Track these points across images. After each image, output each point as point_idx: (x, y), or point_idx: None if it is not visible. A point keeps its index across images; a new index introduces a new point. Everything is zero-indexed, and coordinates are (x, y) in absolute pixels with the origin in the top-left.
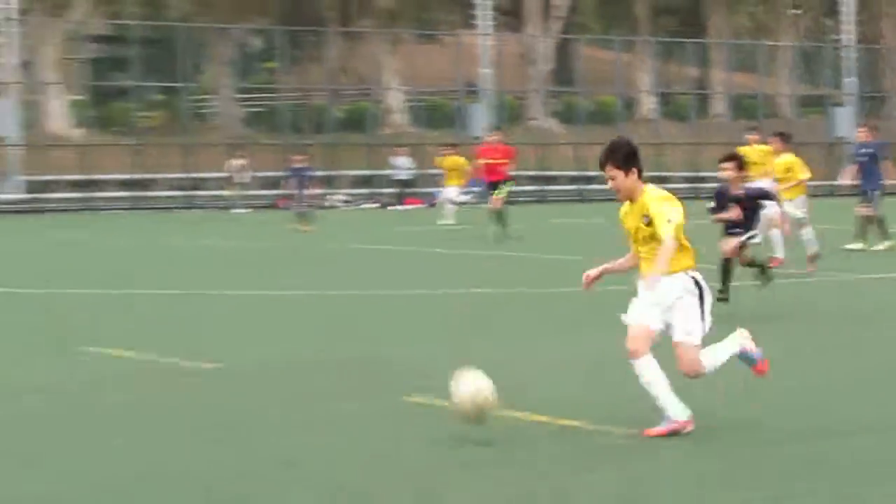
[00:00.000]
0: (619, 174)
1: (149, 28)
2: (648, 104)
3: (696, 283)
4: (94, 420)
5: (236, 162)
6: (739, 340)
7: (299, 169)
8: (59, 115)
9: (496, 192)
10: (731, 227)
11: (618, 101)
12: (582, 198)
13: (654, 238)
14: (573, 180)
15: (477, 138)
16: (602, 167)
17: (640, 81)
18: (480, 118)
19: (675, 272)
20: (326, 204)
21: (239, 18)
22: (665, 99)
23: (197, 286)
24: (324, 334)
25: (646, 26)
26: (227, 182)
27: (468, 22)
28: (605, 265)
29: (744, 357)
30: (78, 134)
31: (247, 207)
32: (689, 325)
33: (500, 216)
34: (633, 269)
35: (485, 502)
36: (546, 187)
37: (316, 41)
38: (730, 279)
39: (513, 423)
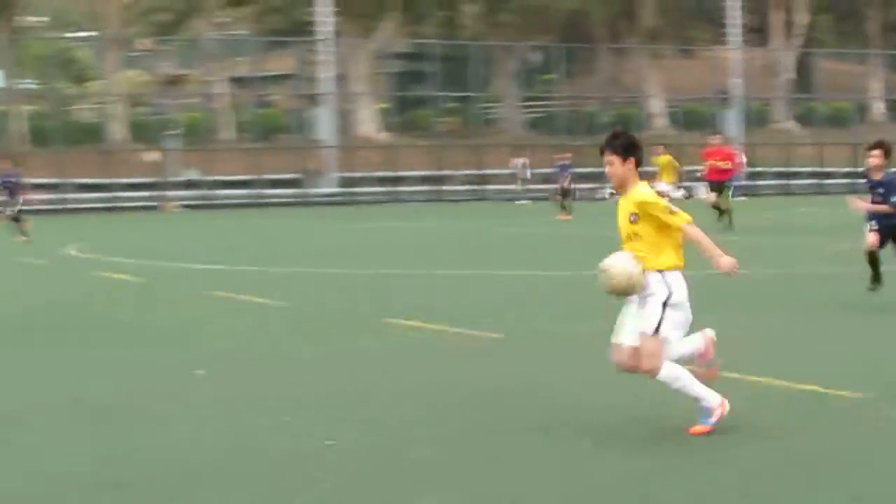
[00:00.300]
0: (617, 161)
1: (445, 46)
2: (878, 109)
3: (667, 287)
4: (402, 382)
5: (519, 160)
6: (699, 341)
7: (564, 166)
8: (367, 120)
9: (723, 192)
10: (873, 217)
11: (851, 106)
12: (820, 191)
13: (637, 236)
14: (812, 175)
15: (728, 139)
16: (602, 153)
17: (871, 89)
18: (731, 122)
19: (651, 270)
20: (598, 196)
21: (523, 37)
22: (894, 104)
23: (482, 266)
24: (591, 310)
25: (877, 41)
26: (511, 177)
27: (720, 38)
28: None
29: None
30: (383, 137)
31: (528, 199)
32: (643, 327)
33: (726, 212)
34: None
35: (733, 461)
36: (789, 182)
37: (588, 56)
38: (878, 268)
39: (759, 389)
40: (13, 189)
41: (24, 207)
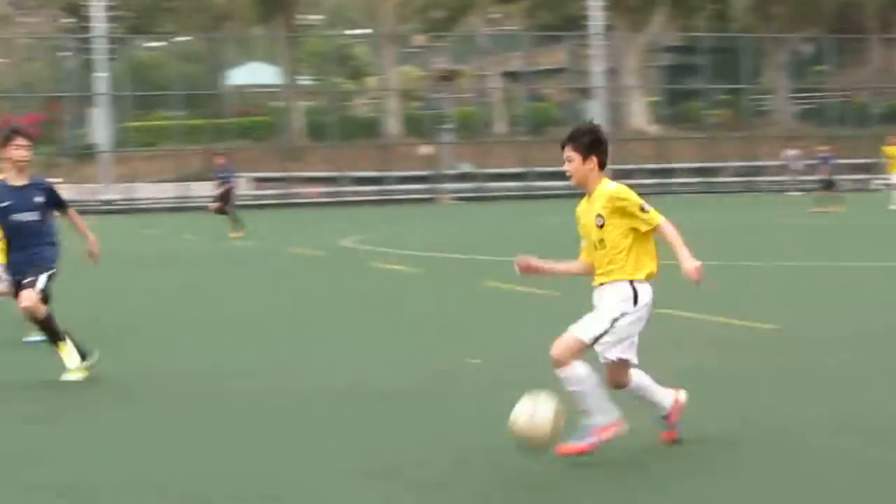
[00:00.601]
0: (577, 158)
1: (715, 38)
2: None
3: (635, 298)
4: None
5: (791, 152)
6: (673, 400)
7: (825, 158)
8: (638, 113)
9: None
10: None
11: None
12: None
13: (603, 244)
14: None
15: None
16: (562, 148)
17: None
18: None
19: (620, 280)
20: (871, 187)
21: (793, 29)
22: None
23: (755, 258)
24: (872, 305)
25: None
26: (783, 169)
27: None
28: (549, 265)
29: (664, 419)
30: (654, 129)
31: (800, 191)
32: (590, 322)
33: None
34: (580, 276)
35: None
36: None
37: (860, 47)
38: None
39: None
40: (226, 184)
41: (237, 202)
